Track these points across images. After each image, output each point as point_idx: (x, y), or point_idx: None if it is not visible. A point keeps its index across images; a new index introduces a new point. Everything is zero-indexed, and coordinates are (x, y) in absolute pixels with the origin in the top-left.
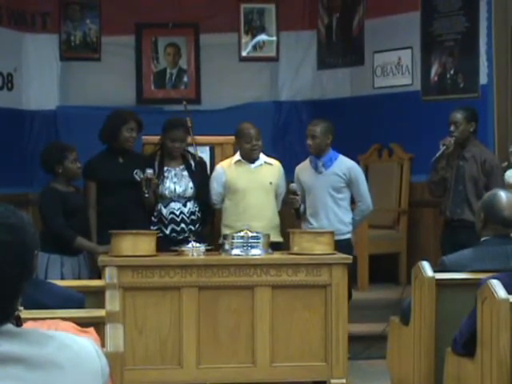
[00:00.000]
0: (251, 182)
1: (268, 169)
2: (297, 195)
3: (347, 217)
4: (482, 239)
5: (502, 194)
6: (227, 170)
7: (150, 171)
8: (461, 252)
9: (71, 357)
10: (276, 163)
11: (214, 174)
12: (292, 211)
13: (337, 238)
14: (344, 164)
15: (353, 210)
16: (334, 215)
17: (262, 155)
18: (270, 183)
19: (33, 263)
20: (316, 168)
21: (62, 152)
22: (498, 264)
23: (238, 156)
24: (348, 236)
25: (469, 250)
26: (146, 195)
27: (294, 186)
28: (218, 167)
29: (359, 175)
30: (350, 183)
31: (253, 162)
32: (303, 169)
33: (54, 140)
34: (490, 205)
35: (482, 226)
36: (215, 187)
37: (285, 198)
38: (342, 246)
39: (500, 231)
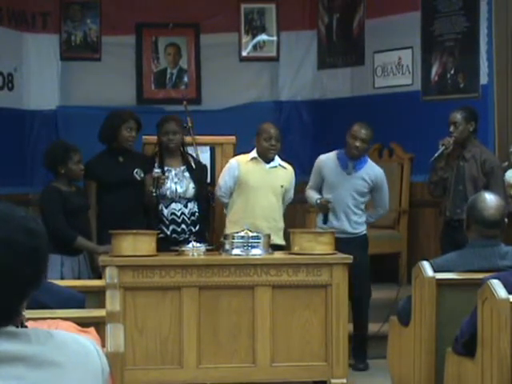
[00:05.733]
0: (263, 182)
1: (282, 172)
2: (330, 202)
3: (361, 219)
4: (469, 241)
5: (486, 196)
6: (242, 164)
7: (157, 171)
8: (448, 255)
9: (71, 356)
10: (290, 168)
11: (227, 166)
12: (319, 216)
13: (353, 236)
14: (373, 170)
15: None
16: (354, 217)
17: (277, 158)
18: (281, 186)
19: (44, 270)
20: (345, 167)
21: (67, 152)
22: (487, 264)
23: (254, 153)
24: (364, 232)
25: (456, 252)
26: (154, 194)
27: (329, 199)
28: (233, 161)
29: (385, 182)
30: (373, 189)
31: (268, 162)
32: (329, 163)
33: (58, 139)
34: (472, 206)
35: (466, 228)
36: (226, 180)
37: (312, 201)
38: (358, 241)
39: (484, 232)
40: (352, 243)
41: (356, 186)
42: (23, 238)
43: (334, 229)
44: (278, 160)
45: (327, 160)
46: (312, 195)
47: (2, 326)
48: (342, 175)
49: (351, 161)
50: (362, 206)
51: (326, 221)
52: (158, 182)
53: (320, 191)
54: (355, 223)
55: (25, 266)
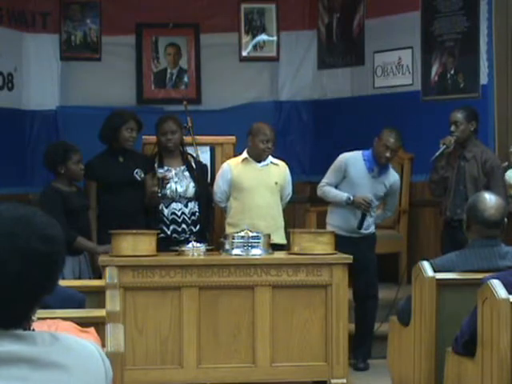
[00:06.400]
0: (257, 181)
1: (274, 169)
2: (372, 200)
3: (371, 221)
4: (469, 242)
5: (486, 196)
6: (233, 167)
7: (161, 171)
8: (448, 255)
9: (76, 359)
10: (282, 164)
11: (220, 171)
12: (332, 213)
13: (362, 235)
14: (392, 176)
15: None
16: (368, 218)
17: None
18: (276, 183)
19: (58, 277)
20: (371, 171)
21: (66, 152)
22: (486, 265)
23: (245, 154)
24: (374, 231)
25: (456, 253)
26: (160, 194)
27: (370, 196)
28: (225, 165)
29: (398, 188)
30: (388, 194)
31: (260, 162)
32: (355, 163)
33: (57, 139)
34: (473, 206)
35: (466, 228)
36: (220, 185)
37: (354, 201)
38: (367, 239)
39: (484, 233)
40: (362, 242)
41: (377, 190)
42: (41, 245)
43: (352, 229)
44: (269, 158)
45: (353, 159)
46: (335, 192)
47: (11, 329)
48: (366, 177)
49: (377, 166)
50: (374, 209)
51: (361, 225)
52: (163, 183)
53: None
54: (368, 225)
55: (40, 272)
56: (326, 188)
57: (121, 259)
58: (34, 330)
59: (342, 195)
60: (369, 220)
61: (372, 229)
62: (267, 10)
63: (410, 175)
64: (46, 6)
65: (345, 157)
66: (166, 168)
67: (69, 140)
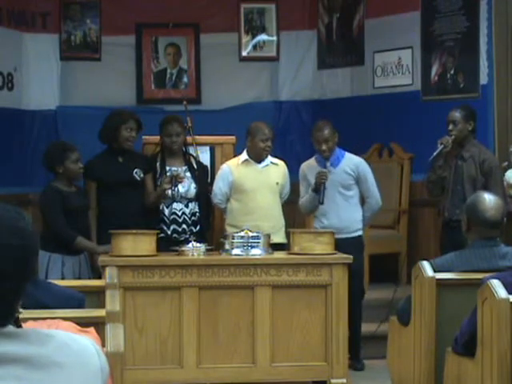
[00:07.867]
0: (259, 182)
1: (275, 169)
2: (326, 172)
3: (358, 214)
4: (469, 242)
5: (485, 196)
6: (234, 169)
7: (174, 169)
8: (448, 255)
9: (71, 356)
10: (281, 163)
11: (219, 173)
12: (315, 197)
13: (347, 235)
14: (351, 161)
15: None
16: (344, 213)
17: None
18: (277, 183)
19: (35, 266)
20: (324, 167)
21: (64, 152)
22: (487, 265)
23: (245, 155)
24: (359, 233)
25: (456, 253)
26: (172, 192)
27: (324, 170)
28: (225, 167)
29: (367, 171)
30: (358, 179)
31: (260, 162)
32: (310, 168)
33: (57, 139)
34: (473, 207)
35: (466, 229)
36: (221, 187)
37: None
38: (353, 243)
39: (485, 233)
40: (346, 245)
41: (339, 181)
42: (14, 240)
43: (325, 228)
44: (269, 158)
45: (308, 165)
46: (306, 196)
47: (1, 326)
48: None
49: (326, 161)
50: (354, 201)
51: (322, 200)
52: (176, 181)
53: None
54: (349, 220)
55: (16, 268)
56: (300, 201)
57: (121, 259)
58: (21, 325)
59: (310, 193)
60: (343, 215)
61: (355, 229)
62: (267, 9)
63: (410, 175)
64: (46, 6)
65: (301, 168)
66: (167, 168)
67: (69, 140)
